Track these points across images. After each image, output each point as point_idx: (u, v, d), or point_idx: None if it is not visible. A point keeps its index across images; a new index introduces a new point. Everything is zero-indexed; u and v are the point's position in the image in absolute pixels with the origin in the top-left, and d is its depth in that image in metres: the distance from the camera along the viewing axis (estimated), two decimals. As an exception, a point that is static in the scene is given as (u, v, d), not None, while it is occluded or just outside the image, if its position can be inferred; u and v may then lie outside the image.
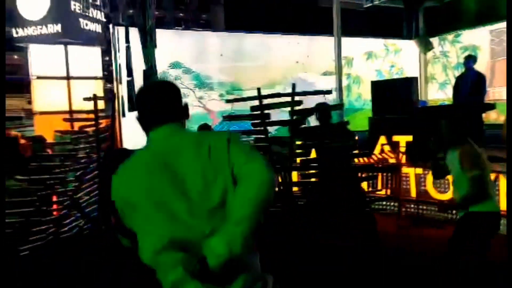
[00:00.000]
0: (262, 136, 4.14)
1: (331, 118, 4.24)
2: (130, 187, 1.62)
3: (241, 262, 1.52)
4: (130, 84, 4.68)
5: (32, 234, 3.36)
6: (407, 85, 8.03)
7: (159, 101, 1.73)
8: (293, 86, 3.86)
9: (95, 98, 3.29)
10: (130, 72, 4.70)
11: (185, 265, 1.51)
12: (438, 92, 10.95)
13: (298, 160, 4.46)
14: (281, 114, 4.80)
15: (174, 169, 1.60)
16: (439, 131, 3.34)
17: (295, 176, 4.63)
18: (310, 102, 4.43)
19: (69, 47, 7.75)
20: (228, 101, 4.25)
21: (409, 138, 6.52)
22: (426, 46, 10.70)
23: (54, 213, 3.68)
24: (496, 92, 9.37)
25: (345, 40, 9.28)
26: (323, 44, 9.90)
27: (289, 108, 4.01)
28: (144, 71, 4.47)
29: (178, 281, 1.54)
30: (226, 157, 1.59)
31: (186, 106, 1.78)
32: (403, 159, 6.49)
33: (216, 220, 1.55)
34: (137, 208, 1.60)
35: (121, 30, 7.23)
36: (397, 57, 11.19)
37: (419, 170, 6.40)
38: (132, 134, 6.44)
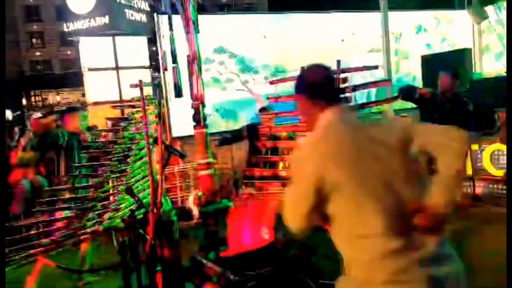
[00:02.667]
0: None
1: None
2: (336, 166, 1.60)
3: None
4: (175, 70, 4.74)
5: (89, 219, 3.51)
6: (460, 58, 7.65)
7: (333, 81, 1.85)
8: (338, 62, 3.74)
9: (141, 84, 3.36)
10: (175, 59, 4.76)
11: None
12: (494, 63, 10.34)
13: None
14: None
15: (372, 148, 1.63)
16: None
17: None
18: (356, 79, 4.32)
19: (117, 38, 7.99)
20: (271, 82, 4.20)
21: (464, 113, 6.22)
22: (481, 16, 10.06)
23: (110, 198, 3.83)
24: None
25: (391, 15, 8.91)
26: (368, 20, 9.56)
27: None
28: (188, 57, 4.51)
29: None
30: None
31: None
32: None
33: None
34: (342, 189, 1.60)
35: (164, 18, 7.34)
36: (448, 29, 10.63)
37: (475, 147, 6.12)
38: (179, 119, 6.56)
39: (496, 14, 10.13)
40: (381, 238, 1.55)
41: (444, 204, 1.58)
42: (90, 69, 7.94)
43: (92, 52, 8.03)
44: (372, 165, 1.60)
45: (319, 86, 1.79)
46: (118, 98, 7.64)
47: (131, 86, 3.34)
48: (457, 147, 1.62)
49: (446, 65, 7.64)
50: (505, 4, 9.90)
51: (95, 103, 7.92)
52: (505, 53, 9.94)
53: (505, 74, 8.94)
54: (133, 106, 3.63)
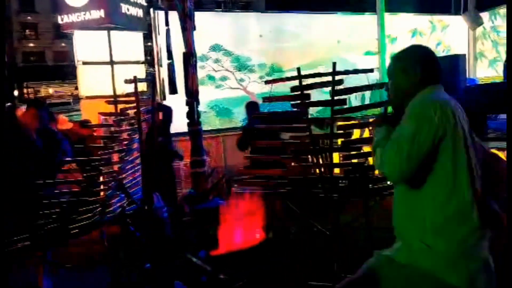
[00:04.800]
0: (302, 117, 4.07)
1: None
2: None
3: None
4: (170, 67, 4.72)
5: (80, 214, 3.49)
6: (454, 63, 7.68)
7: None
8: (334, 65, 3.74)
9: (135, 80, 3.34)
10: (170, 55, 4.73)
11: None
12: (488, 69, 10.42)
13: (339, 141, 4.36)
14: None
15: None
16: None
17: (336, 157, 4.54)
18: (351, 81, 4.31)
19: (112, 32, 7.90)
20: (267, 82, 4.18)
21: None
22: (476, 22, 10.13)
23: (101, 193, 3.80)
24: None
25: (388, 18, 8.93)
26: (365, 23, 9.59)
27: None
28: (184, 54, 4.49)
29: None
30: None
31: None
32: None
33: None
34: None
35: (161, 13, 7.30)
36: (444, 34, 10.70)
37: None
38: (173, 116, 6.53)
39: (491, 21, 10.21)
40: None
41: None
42: (84, 63, 7.85)
43: (87, 45, 7.94)
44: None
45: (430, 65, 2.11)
46: (112, 93, 7.55)
47: (126, 81, 3.32)
48: None
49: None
50: (500, 11, 9.98)
51: (88, 97, 7.83)
52: (499, 59, 10.01)
53: (499, 81, 9.01)
54: (127, 102, 3.61)
